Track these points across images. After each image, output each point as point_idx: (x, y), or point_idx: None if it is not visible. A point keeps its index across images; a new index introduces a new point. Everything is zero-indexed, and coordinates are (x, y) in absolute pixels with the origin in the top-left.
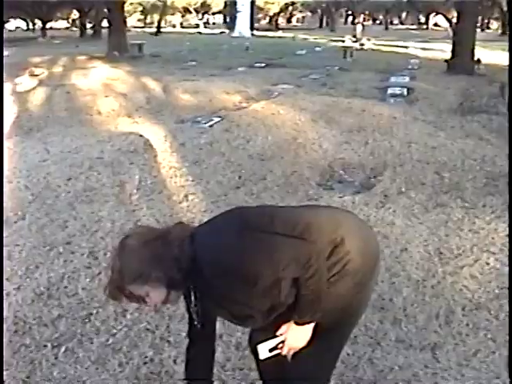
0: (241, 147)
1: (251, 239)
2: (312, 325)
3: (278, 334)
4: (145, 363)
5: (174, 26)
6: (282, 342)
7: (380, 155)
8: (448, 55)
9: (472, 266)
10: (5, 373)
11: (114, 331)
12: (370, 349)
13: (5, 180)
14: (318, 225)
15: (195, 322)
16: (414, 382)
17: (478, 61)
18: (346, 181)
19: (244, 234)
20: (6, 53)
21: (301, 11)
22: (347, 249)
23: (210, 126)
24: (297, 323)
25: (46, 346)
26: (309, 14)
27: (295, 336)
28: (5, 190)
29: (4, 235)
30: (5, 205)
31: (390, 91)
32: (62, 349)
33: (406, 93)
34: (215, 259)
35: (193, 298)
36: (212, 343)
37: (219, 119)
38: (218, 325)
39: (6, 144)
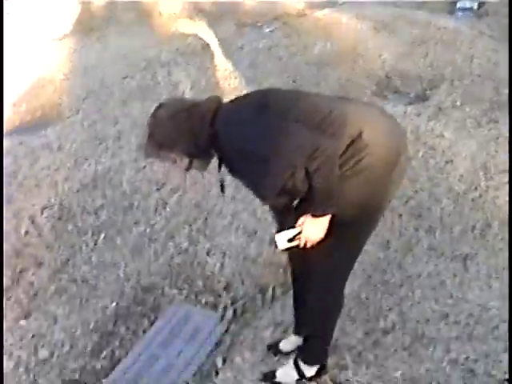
0: (299, 53)
1: (266, 119)
2: (327, 218)
3: (296, 225)
4: (179, 253)
5: None
6: (300, 233)
7: (439, 68)
8: None
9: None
10: (47, 255)
11: (153, 222)
12: (400, 254)
13: (62, 78)
14: (339, 116)
15: (223, 190)
16: (439, 289)
17: None
18: (401, 92)
19: (261, 113)
20: None
21: None
22: (366, 144)
23: (271, 31)
24: (313, 215)
25: (86, 232)
26: None
27: (311, 228)
28: (60, 86)
29: (57, 129)
30: (59, 101)
31: (459, 4)
32: (102, 236)
33: (476, 7)
34: (230, 133)
35: (218, 166)
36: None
37: (280, 25)
38: (253, 220)
39: (67, 42)
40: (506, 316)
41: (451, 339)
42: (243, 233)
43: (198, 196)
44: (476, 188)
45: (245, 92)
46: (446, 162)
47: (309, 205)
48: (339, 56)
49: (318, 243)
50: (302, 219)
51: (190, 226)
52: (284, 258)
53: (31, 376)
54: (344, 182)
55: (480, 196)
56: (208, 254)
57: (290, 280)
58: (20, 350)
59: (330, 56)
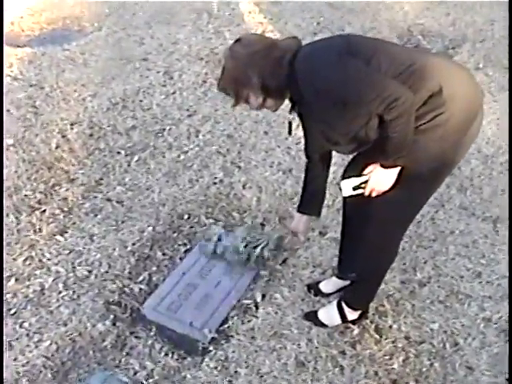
0: None
1: (349, 64)
2: (397, 170)
3: (364, 173)
4: (214, 183)
5: None
6: (366, 181)
7: (461, 28)
8: None
9: None
10: (79, 171)
11: (186, 149)
12: (433, 209)
13: None
14: (420, 69)
15: (291, 132)
16: (472, 248)
17: None
18: (423, 46)
19: (344, 57)
20: None
21: None
22: (444, 100)
23: None
24: (382, 165)
25: (119, 152)
26: None
27: (379, 178)
28: (81, 0)
29: (81, 43)
30: (81, 15)
31: None
32: (135, 158)
33: None
34: (312, 73)
35: (290, 108)
36: (325, 162)
37: None
38: (287, 158)
39: None
40: None
41: (485, 298)
42: (278, 170)
43: (231, 127)
44: (503, 153)
45: (270, 27)
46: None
47: (375, 154)
48: (361, 2)
49: (383, 193)
50: (370, 168)
51: (225, 156)
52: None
53: (70, 293)
54: (418, 136)
55: (507, 161)
56: (244, 187)
57: (326, 222)
58: (58, 266)
59: (353, 2)
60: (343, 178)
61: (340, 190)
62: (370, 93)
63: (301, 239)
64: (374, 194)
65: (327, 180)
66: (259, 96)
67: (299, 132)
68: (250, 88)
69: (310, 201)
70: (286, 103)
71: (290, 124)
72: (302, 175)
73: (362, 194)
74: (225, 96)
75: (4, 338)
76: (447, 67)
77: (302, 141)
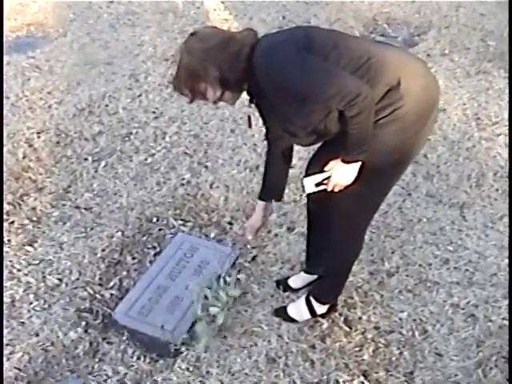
0: None
1: (309, 58)
2: (358, 164)
3: (325, 169)
4: (182, 184)
5: None
6: (328, 177)
7: (426, 15)
8: None
9: (508, 136)
10: (47, 180)
11: (153, 152)
12: (400, 198)
13: None
14: (379, 63)
15: (250, 125)
16: (439, 235)
17: None
18: (389, 35)
19: (304, 51)
20: None
21: None
22: (402, 93)
23: None
24: (343, 161)
25: (86, 159)
26: None
27: (341, 173)
28: (45, 6)
29: (46, 50)
30: (45, 21)
31: None
32: (102, 163)
33: None
34: (271, 66)
35: (248, 101)
36: (286, 151)
37: None
38: (254, 156)
39: None
40: (503, 265)
41: (453, 284)
42: (245, 168)
43: (197, 127)
44: (469, 138)
45: (236, 24)
46: (439, 111)
47: (336, 149)
48: None
49: (346, 187)
50: (331, 164)
51: (191, 157)
52: (288, 196)
53: (42, 302)
54: (377, 130)
55: (473, 146)
56: (211, 186)
57: (294, 217)
58: (28, 276)
59: None
60: (305, 175)
61: (303, 187)
62: (330, 90)
63: (248, 238)
64: (336, 189)
65: (290, 164)
66: (217, 90)
67: (264, 128)
68: (208, 82)
69: (272, 185)
70: (244, 97)
71: (250, 118)
72: None
73: (325, 190)
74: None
75: None
76: (404, 60)
77: None
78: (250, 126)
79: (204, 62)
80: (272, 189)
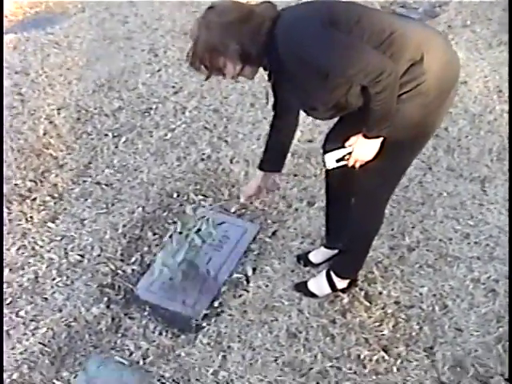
0: None
1: (332, 33)
2: (380, 140)
3: (346, 145)
4: (202, 159)
5: None
6: (350, 153)
7: None
8: None
9: None
10: (68, 157)
11: (173, 127)
12: (421, 172)
13: None
14: (402, 38)
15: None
16: (460, 210)
17: None
18: (410, 6)
19: (327, 25)
20: None
21: None
22: (424, 68)
23: None
24: (365, 136)
25: (106, 134)
26: None
27: (362, 149)
28: None
29: (65, 26)
30: None
31: None
32: (123, 139)
33: None
34: (293, 44)
35: (267, 76)
36: (293, 123)
37: None
38: None
39: None
40: None
41: (473, 259)
42: (265, 142)
43: (217, 102)
44: (491, 111)
45: None
46: (460, 83)
47: (357, 122)
48: None
49: (367, 163)
50: (352, 139)
51: (211, 132)
52: (305, 170)
53: (64, 278)
54: (400, 105)
55: (495, 119)
56: (231, 161)
57: (314, 192)
58: (50, 253)
59: None
60: (325, 150)
61: (324, 162)
62: (355, 66)
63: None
64: (357, 165)
65: (293, 137)
66: (237, 64)
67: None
68: (228, 56)
69: (273, 156)
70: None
71: (268, 94)
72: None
73: (346, 165)
74: None
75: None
76: (426, 35)
77: None
78: (267, 102)
79: (224, 36)
80: (272, 160)
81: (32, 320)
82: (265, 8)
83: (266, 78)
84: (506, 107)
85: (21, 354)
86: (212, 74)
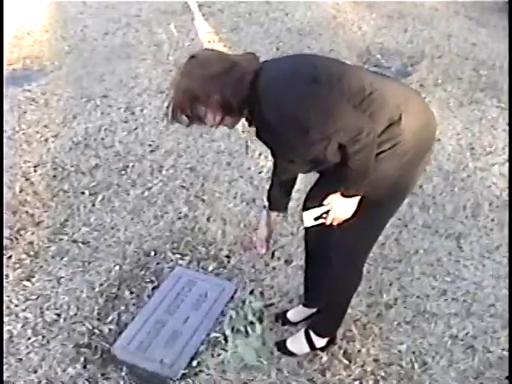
0: (279, 19)
1: (314, 92)
2: (357, 198)
3: (324, 203)
4: (179, 218)
5: None
6: (328, 211)
7: (419, 45)
8: None
9: (502, 165)
10: (44, 214)
11: (150, 185)
12: (397, 230)
13: (41, 29)
14: (382, 97)
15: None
16: (437, 266)
17: None
18: (382, 65)
19: (311, 88)
20: None
21: None
22: (402, 129)
23: None
24: (343, 195)
25: (83, 192)
26: None
27: (340, 207)
28: (41, 39)
29: (42, 83)
30: (41, 54)
31: None
32: (99, 197)
33: None
34: (275, 99)
35: (247, 126)
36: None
37: None
38: (250, 189)
39: None
40: (501, 295)
41: (451, 315)
42: (241, 200)
43: (193, 160)
44: (464, 168)
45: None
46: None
47: (335, 181)
48: (320, 25)
49: (345, 221)
50: (330, 197)
51: (188, 190)
52: (285, 229)
53: (40, 338)
54: (377, 164)
55: (468, 176)
56: (208, 220)
57: (291, 250)
58: (26, 312)
59: (310, 24)
60: (304, 208)
61: (302, 220)
62: (335, 124)
63: (261, 251)
64: (335, 223)
65: (296, 179)
66: (218, 114)
67: (260, 161)
68: (209, 106)
69: (276, 197)
70: (239, 128)
71: (247, 145)
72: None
73: (324, 223)
74: (186, 128)
75: None
76: (405, 95)
77: (264, 170)
78: (247, 152)
79: (206, 88)
80: (276, 200)
81: (6, 382)
82: (247, 60)
83: (246, 124)
84: (479, 164)
85: None
86: (192, 122)
